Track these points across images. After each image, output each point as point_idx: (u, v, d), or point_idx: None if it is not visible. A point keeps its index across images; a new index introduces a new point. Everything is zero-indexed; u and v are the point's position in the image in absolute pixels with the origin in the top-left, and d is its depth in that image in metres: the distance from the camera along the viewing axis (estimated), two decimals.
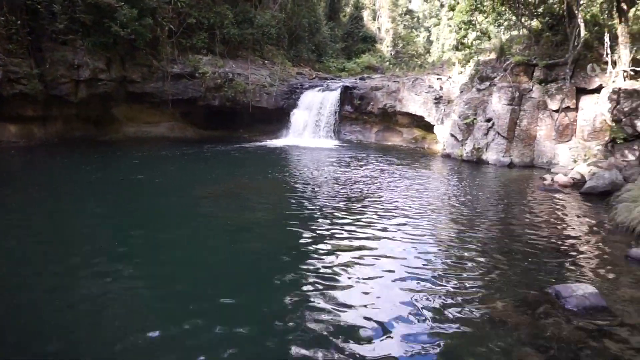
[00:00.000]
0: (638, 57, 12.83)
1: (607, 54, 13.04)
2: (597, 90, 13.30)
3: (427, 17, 45.21)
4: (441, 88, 18.11)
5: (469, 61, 18.76)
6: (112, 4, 15.08)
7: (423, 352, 3.75)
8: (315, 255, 5.84)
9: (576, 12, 13.62)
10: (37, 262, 5.42)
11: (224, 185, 10.16)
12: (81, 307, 4.35)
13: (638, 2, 13.76)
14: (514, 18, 17.18)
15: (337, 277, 5.18)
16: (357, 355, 3.65)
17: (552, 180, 11.55)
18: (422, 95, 18.20)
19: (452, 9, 19.63)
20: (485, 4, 16.89)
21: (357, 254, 5.96)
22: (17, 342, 3.76)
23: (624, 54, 12.59)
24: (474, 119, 15.43)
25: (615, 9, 13.18)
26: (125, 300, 4.49)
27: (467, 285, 5.07)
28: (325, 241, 6.42)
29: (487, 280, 5.25)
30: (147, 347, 3.72)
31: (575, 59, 13.65)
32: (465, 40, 20.34)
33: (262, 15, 22.16)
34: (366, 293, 4.80)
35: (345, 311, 4.36)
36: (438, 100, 17.71)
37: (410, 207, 8.66)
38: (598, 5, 14.98)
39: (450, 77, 19.04)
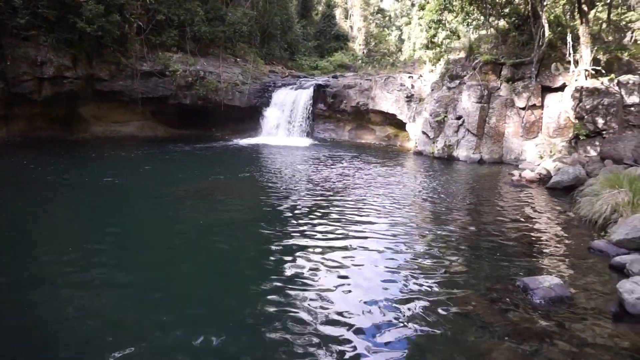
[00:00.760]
0: (598, 56, 13.35)
1: (569, 54, 13.51)
2: (561, 88, 13.77)
3: (399, 16, 45.78)
4: (413, 86, 18.36)
5: (439, 60, 19.07)
6: None
7: (393, 349, 3.80)
8: (287, 256, 5.84)
9: (540, 13, 14.05)
10: None
11: (196, 185, 10.02)
12: (44, 317, 4.17)
13: (598, 4, 14.32)
14: (482, 18, 17.56)
15: (309, 277, 5.20)
16: (325, 355, 3.67)
17: (520, 175, 11.89)
18: (394, 94, 18.42)
19: (422, 8, 19.83)
20: (454, 3, 17.19)
21: (329, 253, 5.99)
22: None
23: (585, 53, 13.07)
24: (445, 116, 15.73)
25: (576, 10, 13.66)
26: (92, 309, 4.34)
27: (438, 281, 5.19)
28: (298, 241, 6.43)
29: (457, 275, 5.38)
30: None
31: (540, 58, 14.09)
32: (436, 39, 20.62)
33: (234, 12, 21.90)
34: (337, 293, 4.83)
35: (316, 310, 4.38)
36: (410, 98, 17.96)
37: (382, 205, 8.77)
38: (561, 7, 15.49)
39: (421, 76, 19.33)
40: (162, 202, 8.57)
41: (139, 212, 7.98)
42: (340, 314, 4.32)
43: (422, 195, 9.80)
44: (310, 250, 6.05)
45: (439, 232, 7.13)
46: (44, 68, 15.24)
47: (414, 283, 5.11)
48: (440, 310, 4.45)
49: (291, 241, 6.39)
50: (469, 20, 18.48)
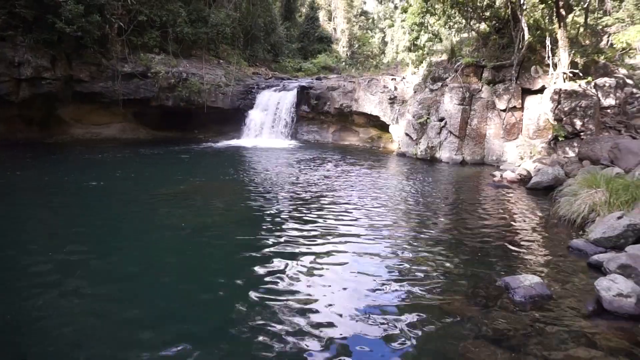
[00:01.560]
0: (576, 60, 13.65)
1: (548, 57, 13.79)
2: (541, 90, 14.04)
3: (382, 18, 46.04)
4: (396, 88, 18.52)
5: (422, 62, 19.30)
6: None
7: (376, 351, 3.81)
8: (270, 259, 5.81)
9: (520, 17, 14.32)
10: None
11: (178, 187, 9.90)
12: (22, 328, 4.08)
13: (575, 8, 14.64)
14: (463, 21, 17.82)
15: (291, 279, 5.18)
16: (308, 353, 3.68)
17: (501, 176, 12.08)
18: (378, 96, 18.54)
19: (404, 11, 20.09)
20: (436, 7, 17.41)
21: (311, 255, 5.98)
22: None
23: (564, 56, 13.35)
24: (428, 118, 15.89)
25: (555, 14, 13.96)
26: (72, 319, 4.21)
27: (420, 282, 5.22)
28: (280, 243, 6.41)
29: (439, 275, 5.43)
30: None
31: (520, 61, 14.35)
32: (418, 42, 20.92)
33: (217, 14, 21.77)
34: (320, 295, 4.82)
35: (300, 313, 4.38)
36: (393, 100, 18.11)
37: (365, 206, 8.80)
38: (540, 11, 15.82)
39: (404, 78, 19.53)
40: (143, 205, 8.44)
41: (119, 216, 7.84)
42: (322, 318, 4.32)
43: (405, 197, 9.87)
44: (293, 253, 6.02)
45: (420, 233, 7.19)
46: (21, 69, 14.89)
47: (395, 284, 5.13)
48: (421, 311, 4.48)
49: (273, 245, 6.35)
50: (451, 24, 18.75)
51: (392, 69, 24.46)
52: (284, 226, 7.20)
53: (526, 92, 14.50)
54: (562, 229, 7.47)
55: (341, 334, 4.04)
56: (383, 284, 5.13)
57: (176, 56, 19.62)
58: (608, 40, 15.80)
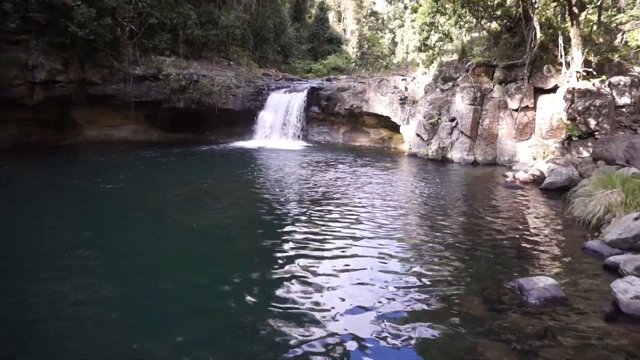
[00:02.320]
0: (589, 58, 13.46)
1: (561, 56, 13.62)
2: (553, 90, 13.86)
3: (392, 18, 45.86)
4: (406, 89, 18.43)
5: (432, 62, 19.19)
6: (68, 3, 14.51)
7: (389, 348, 3.80)
8: (282, 259, 5.82)
9: (532, 15, 14.16)
10: None
11: (190, 188, 9.97)
12: (37, 326, 4.11)
13: (588, 6, 14.44)
14: (474, 20, 17.68)
15: (304, 279, 5.17)
16: (323, 355, 3.66)
17: (514, 177, 11.94)
18: (388, 96, 18.46)
19: (414, 11, 19.99)
20: (446, 6, 17.31)
21: (324, 255, 5.98)
22: None
23: (577, 55, 13.18)
24: (439, 118, 15.78)
25: (567, 12, 13.78)
26: (86, 318, 4.27)
27: (433, 281, 5.18)
28: (292, 244, 6.41)
29: (452, 276, 5.38)
30: None
31: (532, 60, 14.19)
32: (429, 42, 20.77)
33: (227, 16, 21.87)
34: (331, 297, 4.79)
35: (313, 312, 4.37)
36: (403, 100, 18.02)
37: (377, 207, 8.77)
38: (552, 9, 15.63)
39: (414, 78, 19.43)
40: (155, 207, 8.51)
41: (134, 215, 7.91)
42: (333, 319, 4.30)
43: (417, 198, 9.81)
44: (305, 254, 6.02)
45: (433, 234, 7.13)
46: (35, 72, 15.09)
47: (408, 285, 5.09)
48: (434, 311, 4.44)
49: (284, 247, 6.35)
50: (462, 23, 18.61)
51: (402, 70, 24.35)
52: (295, 228, 7.19)
53: (538, 91, 14.33)
54: (577, 230, 7.36)
55: (350, 329, 4.04)
56: (396, 285, 5.09)
57: (187, 58, 19.75)
58: (622, 38, 15.53)
